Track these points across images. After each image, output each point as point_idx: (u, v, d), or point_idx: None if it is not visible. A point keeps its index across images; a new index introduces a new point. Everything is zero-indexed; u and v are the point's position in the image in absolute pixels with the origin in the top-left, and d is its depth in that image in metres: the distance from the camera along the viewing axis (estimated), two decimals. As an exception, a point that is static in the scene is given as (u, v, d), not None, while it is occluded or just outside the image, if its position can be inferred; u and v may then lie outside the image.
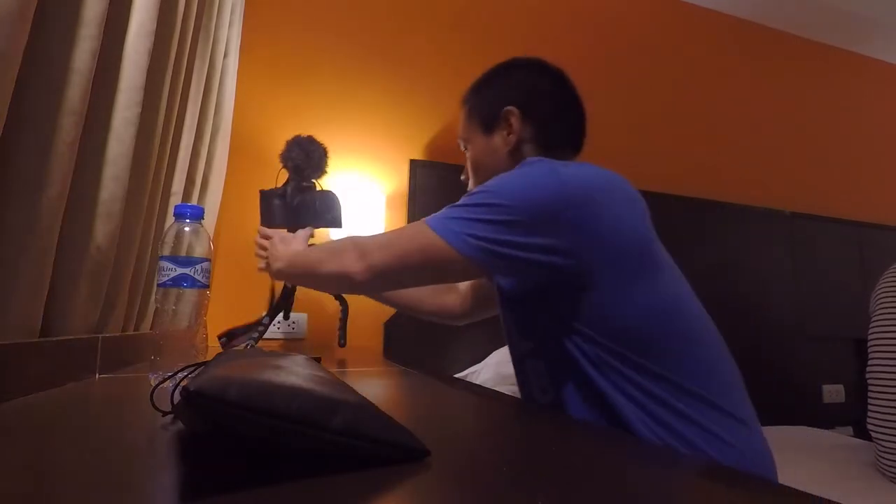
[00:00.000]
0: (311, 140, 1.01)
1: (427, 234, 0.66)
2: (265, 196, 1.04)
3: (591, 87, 2.17)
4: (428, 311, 1.10)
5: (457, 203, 0.68)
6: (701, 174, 2.29)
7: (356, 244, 0.73)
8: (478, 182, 0.85)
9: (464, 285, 1.09)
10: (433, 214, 0.69)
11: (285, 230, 1.01)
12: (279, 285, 1.07)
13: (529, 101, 0.79)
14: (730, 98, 2.43)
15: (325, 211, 1.02)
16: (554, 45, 2.09)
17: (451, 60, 1.92)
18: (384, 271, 0.69)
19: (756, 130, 2.46)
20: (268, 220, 1.04)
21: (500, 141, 0.80)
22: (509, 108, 0.79)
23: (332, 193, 1.04)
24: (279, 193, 1.03)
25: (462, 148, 0.88)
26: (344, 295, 1.11)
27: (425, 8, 1.91)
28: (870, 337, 1.26)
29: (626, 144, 2.15)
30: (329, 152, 1.04)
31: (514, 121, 0.79)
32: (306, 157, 1.00)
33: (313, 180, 1.04)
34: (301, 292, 1.08)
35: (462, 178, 0.90)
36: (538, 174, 0.66)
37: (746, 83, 2.48)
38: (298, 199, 1.02)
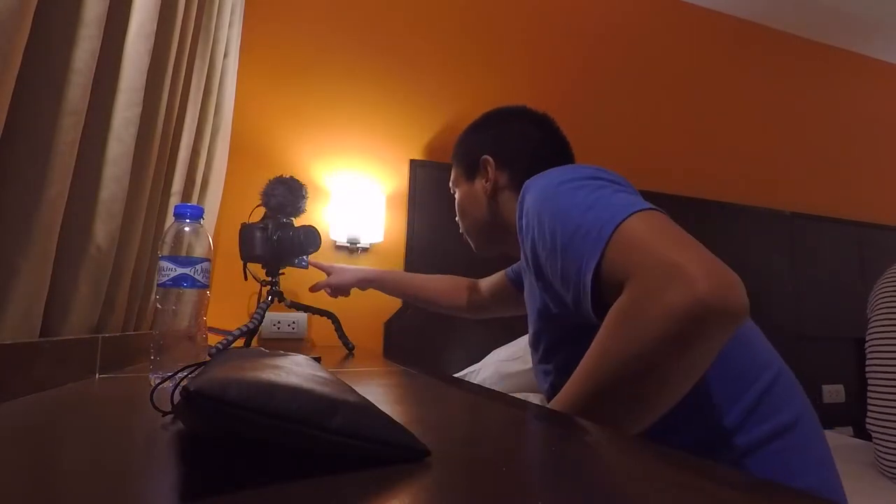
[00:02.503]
0: (293, 180, 1.05)
1: (647, 215, 0.52)
2: (246, 229, 1.06)
3: (592, 88, 2.20)
4: (444, 306, 1.16)
5: (579, 188, 0.57)
6: (702, 174, 2.29)
7: (641, 267, 0.48)
8: (464, 224, 0.90)
9: (484, 282, 1.15)
10: (592, 211, 0.53)
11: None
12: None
13: (504, 150, 0.82)
14: (730, 98, 2.43)
15: (309, 245, 1.05)
16: (554, 46, 2.09)
17: (451, 60, 1.92)
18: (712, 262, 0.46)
19: (756, 130, 2.46)
20: (249, 252, 1.05)
21: (479, 188, 0.84)
22: (485, 157, 0.82)
23: (315, 228, 1.07)
24: (260, 227, 1.05)
25: (452, 192, 0.92)
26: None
27: (425, 8, 1.91)
28: (868, 338, 1.27)
29: (627, 144, 2.15)
30: (308, 190, 1.07)
31: (490, 169, 0.82)
32: (289, 196, 1.03)
33: (292, 218, 1.07)
34: (301, 289, 1.08)
35: (456, 219, 0.94)
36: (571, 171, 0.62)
37: (746, 83, 2.48)
38: (280, 233, 1.04)
